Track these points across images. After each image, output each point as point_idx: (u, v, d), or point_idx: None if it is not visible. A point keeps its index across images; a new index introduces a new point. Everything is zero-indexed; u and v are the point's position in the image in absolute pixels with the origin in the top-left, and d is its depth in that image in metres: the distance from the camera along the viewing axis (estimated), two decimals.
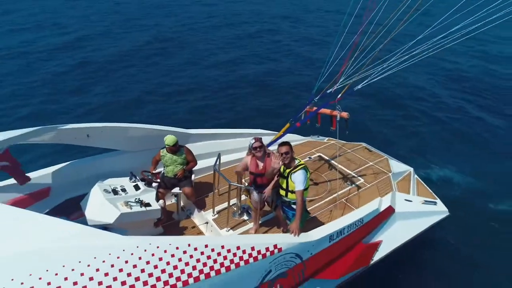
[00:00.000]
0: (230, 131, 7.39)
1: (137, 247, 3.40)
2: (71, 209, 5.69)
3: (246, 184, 5.89)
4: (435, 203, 7.04)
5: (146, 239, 3.58)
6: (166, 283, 3.38)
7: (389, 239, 6.17)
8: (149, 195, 5.96)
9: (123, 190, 5.79)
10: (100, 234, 3.48)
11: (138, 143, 6.51)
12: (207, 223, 6.24)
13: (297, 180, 4.87)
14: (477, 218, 8.36)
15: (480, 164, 10.52)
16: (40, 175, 5.81)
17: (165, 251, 3.49)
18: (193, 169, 6.45)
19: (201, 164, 6.75)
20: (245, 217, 6.28)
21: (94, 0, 29.58)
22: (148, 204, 5.72)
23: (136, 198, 5.73)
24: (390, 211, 6.26)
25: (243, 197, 6.36)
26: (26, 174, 5.30)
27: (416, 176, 7.79)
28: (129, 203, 5.61)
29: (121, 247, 3.32)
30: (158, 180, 6.24)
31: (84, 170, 6.17)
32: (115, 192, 5.70)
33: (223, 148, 7.08)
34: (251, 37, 21.86)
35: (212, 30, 23.06)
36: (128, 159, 6.50)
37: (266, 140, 6.26)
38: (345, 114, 6.23)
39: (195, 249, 3.68)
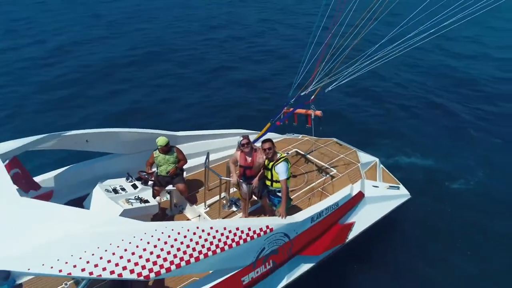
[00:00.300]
0: (215, 132, 8.07)
1: (156, 230, 4.03)
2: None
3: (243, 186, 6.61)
4: (398, 188, 8.07)
5: (163, 223, 4.21)
6: (181, 259, 4.03)
7: (361, 220, 7.09)
8: (146, 193, 6.56)
9: (122, 189, 6.36)
10: (125, 221, 4.07)
11: (132, 146, 7.04)
12: (199, 216, 6.88)
13: (280, 170, 5.66)
14: (436, 199, 9.47)
15: (439, 151, 11.72)
16: (42, 179, 6.22)
17: (179, 233, 4.14)
18: (184, 167, 7.07)
19: (190, 162, 7.38)
20: (233, 208, 6.99)
21: (66, 8, 29.28)
22: (146, 201, 6.32)
23: (135, 196, 6.31)
24: (360, 196, 7.17)
25: (231, 190, 7.08)
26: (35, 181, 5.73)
27: (381, 165, 8.81)
28: (129, 200, 6.19)
29: (143, 231, 3.94)
30: (153, 179, 6.81)
31: (83, 173, 6.63)
32: (115, 191, 6.25)
33: (210, 148, 7.75)
34: (228, 41, 22.53)
35: (191, 35, 23.53)
36: (123, 161, 7.01)
37: (250, 138, 7.00)
38: (319, 113, 7.11)
39: (203, 230, 4.35)
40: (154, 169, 6.98)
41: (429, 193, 9.60)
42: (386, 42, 7.33)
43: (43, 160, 8.82)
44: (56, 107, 13.67)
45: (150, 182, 6.77)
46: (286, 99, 7.61)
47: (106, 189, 6.12)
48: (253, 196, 6.48)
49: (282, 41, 22.61)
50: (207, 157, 6.98)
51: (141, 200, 6.29)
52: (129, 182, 6.65)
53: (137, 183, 6.62)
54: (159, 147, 6.61)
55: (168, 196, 7.08)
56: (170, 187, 6.86)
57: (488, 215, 8.95)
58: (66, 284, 5.50)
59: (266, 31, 24.92)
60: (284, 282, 5.64)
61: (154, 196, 6.68)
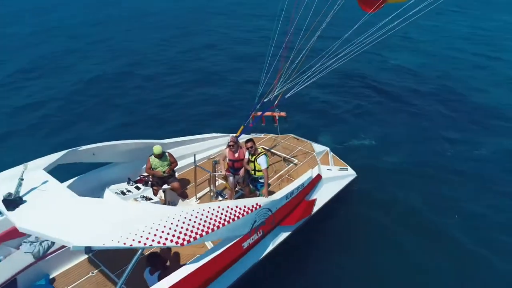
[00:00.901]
0: (197, 137, 9.49)
1: (182, 211, 5.47)
2: None
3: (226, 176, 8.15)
4: (347, 169, 10.12)
5: (189, 207, 5.65)
6: (202, 231, 5.49)
7: (321, 197, 8.96)
8: (148, 192, 7.88)
9: (128, 191, 7.63)
10: (163, 206, 5.47)
11: (129, 155, 8.24)
12: None
13: (261, 162, 7.32)
14: (378, 177, 11.64)
15: (381, 137, 14.07)
16: None
17: (198, 212, 5.60)
18: (175, 168, 8.42)
19: (179, 163, 8.74)
20: (219, 198, 8.49)
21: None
22: (150, 198, 7.66)
23: (140, 195, 7.60)
24: (319, 178, 9.05)
25: (217, 183, 8.60)
26: None
27: (331, 153, 10.83)
28: (137, 199, 7.49)
29: (177, 213, 5.36)
30: (151, 179, 8.09)
31: (89, 182, 7.69)
32: (123, 193, 7.51)
33: (194, 150, 9.16)
34: (196, 51, 23.81)
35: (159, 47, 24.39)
36: (122, 168, 8.18)
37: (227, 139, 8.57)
38: (283, 114, 8.89)
39: (213, 209, 5.84)
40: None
41: (373, 172, 11.77)
42: (333, 49, 9.19)
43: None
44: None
45: (149, 183, 8.06)
46: (252, 105, 9.30)
47: (115, 192, 7.33)
48: (237, 186, 8.09)
49: (244, 54, 23.90)
50: (195, 158, 8.40)
51: (146, 198, 7.61)
52: (131, 185, 7.90)
53: (139, 185, 7.90)
54: (154, 154, 7.91)
55: (162, 195, 8.39)
56: (165, 186, 8.17)
57: (421, 183, 11.28)
58: (93, 273, 6.67)
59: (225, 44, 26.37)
60: (271, 247, 7.30)
61: (155, 194, 7.99)
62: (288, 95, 8.92)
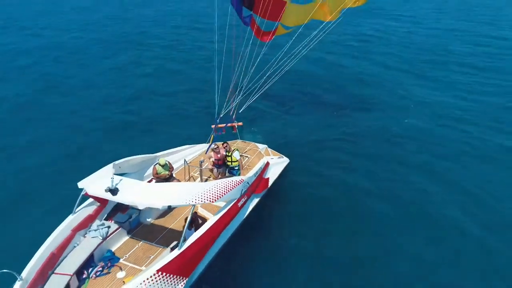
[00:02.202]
0: (182, 147, 12.99)
1: (210, 185, 9.20)
2: (122, 206, 10.33)
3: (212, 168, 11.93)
4: (282, 157, 14.66)
5: (213, 182, 9.38)
6: (221, 193, 9.26)
7: (271, 176, 13.23)
8: None
9: None
10: (203, 183, 9.13)
11: (141, 166, 11.42)
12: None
13: (236, 155, 11.37)
14: (306, 162, 16.20)
15: (307, 132, 18.73)
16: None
17: (217, 184, 9.37)
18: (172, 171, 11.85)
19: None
20: None
21: None
22: None
23: None
24: (268, 164, 13.32)
25: (204, 178, 12.29)
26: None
27: (269, 148, 15.26)
28: None
29: (211, 184, 9.09)
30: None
31: None
32: None
33: (181, 157, 12.69)
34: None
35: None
36: (135, 176, 11.28)
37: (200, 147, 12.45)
38: (240, 123, 13.01)
39: (224, 182, 9.65)
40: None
41: (302, 158, 16.32)
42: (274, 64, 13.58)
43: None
44: None
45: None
46: (213, 120, 13.27)
47: None
48: (219, 176, 11.95)
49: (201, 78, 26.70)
50: (185, 161, 11.97)
51: None
52: None
53: None
54: (160, 164, 11.25)
55: None
56: None
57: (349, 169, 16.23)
58: (138, 245, 9.78)
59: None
60: (251, 207, 11.24)
61: None
62: (242, 108, 13.13)
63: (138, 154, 11.38)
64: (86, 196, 9.59)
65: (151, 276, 7.47)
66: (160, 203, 8.16)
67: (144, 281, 7.35)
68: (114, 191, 8.24)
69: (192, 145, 13.39)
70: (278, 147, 15.42)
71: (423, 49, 35.49)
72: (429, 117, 20.43)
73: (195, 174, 12.74)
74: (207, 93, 21.28)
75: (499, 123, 19.76)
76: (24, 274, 7.53)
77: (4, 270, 7.04)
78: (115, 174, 9.57)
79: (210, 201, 8.87)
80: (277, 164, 14.02)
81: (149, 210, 10.53)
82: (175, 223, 10.70)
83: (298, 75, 26.02)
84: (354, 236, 11.67)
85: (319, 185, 14.23)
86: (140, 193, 8.59)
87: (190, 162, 12.81)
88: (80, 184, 9.18)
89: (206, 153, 13.05)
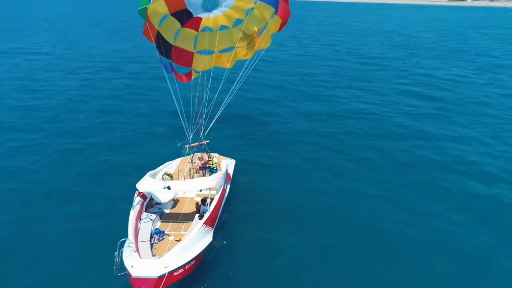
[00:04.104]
0: (166, 163, 19.28)
1: (213, 177, 16.10)
2: (151, 203, 16.48)
3: (197, 170, 18.61)
4: (232, 159, 21.97)
5: (213, 175, 16.24)
6: (217, 181, 16.19)
7: (230, 171, 20.39)
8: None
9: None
10: (211, 177, 16.01)
11: (154, 176, 17.48)
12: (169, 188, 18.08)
13: (215, 160, 18.45)
14: (250, 164, 23.77)
15: (245, 142, 26.36)
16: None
17: (216, 176, 16.24)
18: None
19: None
20: None
21: None
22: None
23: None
24: (224, 164, 20.50)
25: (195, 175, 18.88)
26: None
27: (220, 155, 22.29)
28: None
29: (212, 177, 15.94)
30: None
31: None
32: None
33: (169, 168, 18.99)
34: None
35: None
36: None
37: (185, 159, 19.10)
38: (207, 141, 19.88)
39: (218, 175, 16.52)
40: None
41: (248, 161, 23.80)
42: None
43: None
44: None
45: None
46: (185, 142, 19.87)
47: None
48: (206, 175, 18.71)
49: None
50: (169, 174, 18.39)
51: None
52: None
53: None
54: (167, 173, 17.49)
55: None
56: None
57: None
58: (173, 222, 16.04)
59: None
60: (228, 189, 18.21)
61: None
62: (207, 130, 19.98)
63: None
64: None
65: (201, 227, 14.04)
66: (195, 189, 14.81)
67: (199, 228, 13.90)
68: (169, 187, 14.53)
69: (170, 161, 19.96)
70: (226, 153, 22.74)
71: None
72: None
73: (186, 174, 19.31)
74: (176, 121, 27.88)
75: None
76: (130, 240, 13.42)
77: (123, 239, 12.87)
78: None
79: (215, 185, 15.76)
80: (231, 164, 21.27)
81: (166, 203, 16.71)
82: (183, 209, 17.06)
83: (238, 102, 33.93)
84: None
85: (253, 172, 22.27)
86: (183, 186, 15.02)
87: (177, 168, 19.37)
88: (137, 186, 15.15)
89: (191, 161, 19.68)
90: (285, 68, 53.45)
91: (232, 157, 22.22)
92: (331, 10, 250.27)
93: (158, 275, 12.18)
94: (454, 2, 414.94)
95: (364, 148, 26.87)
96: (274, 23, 20.76)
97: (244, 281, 14.50)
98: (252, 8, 20.20)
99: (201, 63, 22.03)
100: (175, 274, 12.70)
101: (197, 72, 22.45)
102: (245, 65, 21.56)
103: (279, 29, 21.47)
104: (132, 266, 12.52)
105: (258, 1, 19.75)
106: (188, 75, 22.63)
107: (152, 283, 12.06)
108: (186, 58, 21.54)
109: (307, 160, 24.55)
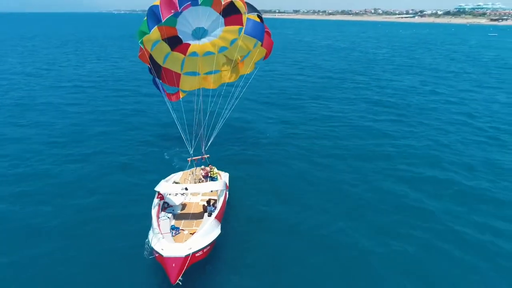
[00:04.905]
0: (173, 174, 22.74)
1: (219, 182, 19.91)
2: (165, 205, 20.00)
3: (200, 179, 22.34)
4: (226, 172, 25.73)
5: (220, 181, 20.02)
6: (222, 186, 20.02)
7: (226, 181, 24.16)
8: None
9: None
10: (218, 182, 19.74)
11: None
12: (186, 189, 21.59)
13: (215, 171, 22.20)
14: (241, 173, 27.61)
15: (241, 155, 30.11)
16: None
17: (221, 182, 20.05)
18: None
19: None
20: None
21: None
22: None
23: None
24: (223, 176, 24.22)
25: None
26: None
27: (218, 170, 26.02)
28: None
29: (219, 182, 19.76)
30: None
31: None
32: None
33: (177, 177, 22.54)
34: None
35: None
36: None
37: (191, 170, 22.76)
38: (208, 155, 23.57)
39: (223, 182, 20.33)
40: None
41: (237, 175, 27.52)
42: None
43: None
44: None
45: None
46: (189, 154, 23.49)
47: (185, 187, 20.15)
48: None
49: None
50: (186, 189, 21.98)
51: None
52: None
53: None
54: (175, 182, 21.03)
55: None
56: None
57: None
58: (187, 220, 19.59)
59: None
60: (227, 196, 21.91)
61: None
62: (208, 146, 23.74)
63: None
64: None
65: (213, 221, 17.74)
66: (207, 190, 18.64)
67: (211, 222, 17.59)
68: (186, 188, 18.17)
69: (174, 174, 23.45)
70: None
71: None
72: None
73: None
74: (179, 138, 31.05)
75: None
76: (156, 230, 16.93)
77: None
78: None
79: (221, 187, 19.58)
80: (225, 175, 25.00)
81: (178, 205, 20.22)
82: (191, 210, 20.58)
83: (233, 122, 37.50)
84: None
85: (245, 183, 26.24)
86: (198, 188, 18.72)
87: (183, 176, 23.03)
88: (156, 189, 18.68)
89: (194, 172, 23.29)
90: (259, 83, 57.76)
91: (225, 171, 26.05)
92: (292, 28, 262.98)
93: (185, 254, 15.62)
94: (403, 18, 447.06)
95: (335, 146, 33.16)
96: (257, 52, 24.78)
97: (245, 263, 18.42)
98: (237, 39, 23.73)
99: (188, 84, 25.01)
100: (196, 255, 16.07)
101: (184, 91, 25.41)
102: (232, 91, 25.48)
103: (265, 58, 25.68)
104: (162, 249, 15.84)
105: (242, 33, 23.41)
106: (176, 94, 25.74)
107: (180, 261, 15.36)
108: (174, 78, 24.34)
109: (283, 164, 29.19)
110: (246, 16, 22.94)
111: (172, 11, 21.31)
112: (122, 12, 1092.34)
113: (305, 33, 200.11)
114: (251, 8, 23.19)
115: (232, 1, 22.16)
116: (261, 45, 24.17)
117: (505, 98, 53.16)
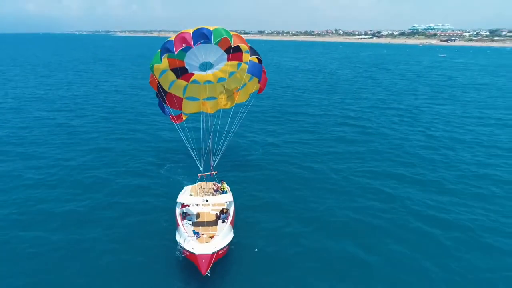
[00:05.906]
0: (187, 187, 27.57)
1: (227, 196, 25.02)
2: (185, 214, 24.89)
3: (212, 192, 27.35)
4: (228, 187, 30.72)
5: (229, 194, 25.11)
6: (231, 198, 25.10)
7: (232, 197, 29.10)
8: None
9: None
10: (226, 195, 24.87)
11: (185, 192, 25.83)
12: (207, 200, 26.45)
13: (226, 185, 27.35)
14: (242, 185, 32.44)
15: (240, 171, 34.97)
16: None
17: (230, 196, 25.14)
18: None
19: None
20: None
21: None
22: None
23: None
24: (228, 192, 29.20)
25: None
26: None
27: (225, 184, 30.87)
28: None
29: (227, 195, 24.82)
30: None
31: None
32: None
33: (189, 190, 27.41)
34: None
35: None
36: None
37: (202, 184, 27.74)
38: (215, 172, 28.51)
39: (230, 195, 25.34)
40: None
41: (238, 189, 32.47)
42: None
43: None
44: None
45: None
46: (199, 170, 28.37)
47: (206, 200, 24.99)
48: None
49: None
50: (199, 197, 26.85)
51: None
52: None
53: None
54: (190, 193, 25.90)
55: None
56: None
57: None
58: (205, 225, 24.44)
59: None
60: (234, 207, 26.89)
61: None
62: (216, 162, 28.72)
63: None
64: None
65: (228, 225, 22.73)
66: (223, 201, 23.73)
67: (227, 227, 22.60)
68: (207, 200, 23.04)
69: (186, 187, 28.27)
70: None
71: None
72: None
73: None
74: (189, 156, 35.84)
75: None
76: (185, 233, 21.69)
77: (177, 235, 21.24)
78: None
79: (231, 198, 24.68)
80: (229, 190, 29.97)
81: (195, 214, 24.97)
82: (205, 218, 25.31)
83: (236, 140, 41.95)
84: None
85: (246, 193, 31.40)
86: (216, 199, 23.65)
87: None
88: (180, 200, 23.67)
89: (203, 185, 28.10)
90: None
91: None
92: (259, 49, 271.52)
93: (212, 252, 20.40)
94: (362, 39, 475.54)
95: (312, 160, 39.67)
96: (252, 85, 30.08)
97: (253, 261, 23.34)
98: (235, 72, 28.58)
99: (189, 107, 29.71)
100: (219, 252, 20.91)
101: (185, 114, 30.17)
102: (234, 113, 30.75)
103: (259, 92, 31.29)
104: (193, 248, 20.53)
105: (240, 68, 28.13)
106: (179, 116, 30.36)
107: (208, 257, 20.08)
108: (177, 102, 28.68)
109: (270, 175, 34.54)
110: (248, 57, 28.23)
111: (183, 45, 25.38)
112: (84, 33, 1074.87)
113: (274, 54, 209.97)
114: (253, 51, 28.72)
115: (238, 45, 27.42)
116: (258, 82, 29.84)
117: (450, 110, 64.15)
